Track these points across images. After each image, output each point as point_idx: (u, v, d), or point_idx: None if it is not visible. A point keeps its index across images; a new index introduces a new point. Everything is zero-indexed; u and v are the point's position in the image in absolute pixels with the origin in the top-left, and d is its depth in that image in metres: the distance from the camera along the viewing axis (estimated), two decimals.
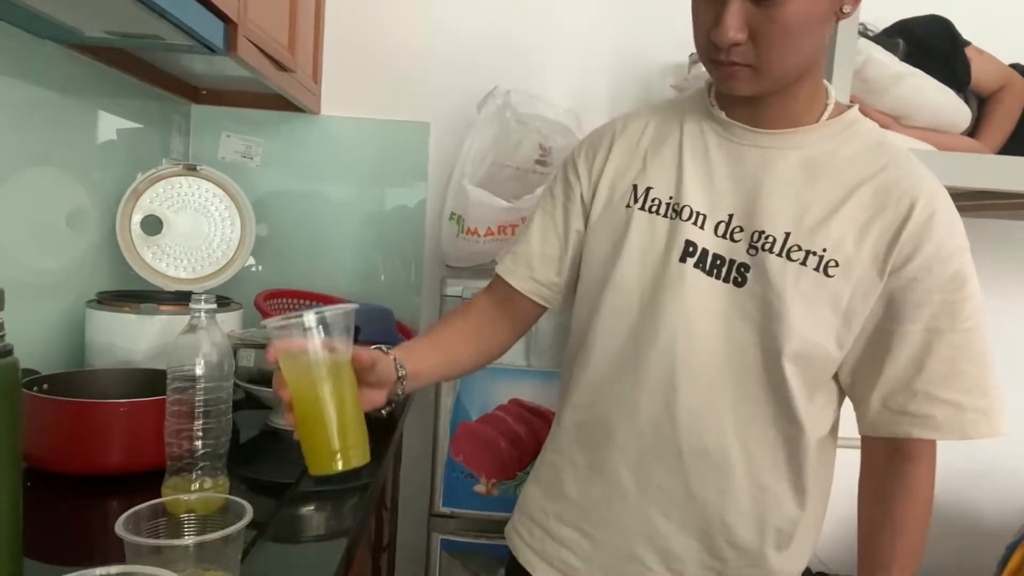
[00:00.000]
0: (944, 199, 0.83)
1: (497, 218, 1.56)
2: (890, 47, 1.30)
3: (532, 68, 1.91)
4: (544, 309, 1.04)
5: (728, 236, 0.86)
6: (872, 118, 1.26)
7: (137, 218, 1.48)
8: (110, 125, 1.52)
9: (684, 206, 0.88)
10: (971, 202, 1.60)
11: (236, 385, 1.29)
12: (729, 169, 0.88)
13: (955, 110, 1.34)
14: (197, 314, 0.94)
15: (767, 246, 0.84)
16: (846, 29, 1.05)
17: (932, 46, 1.50)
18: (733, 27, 0.76)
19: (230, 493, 0.94)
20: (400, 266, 2.00)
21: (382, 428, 1.39)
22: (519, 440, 1.52)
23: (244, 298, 1.55)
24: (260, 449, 1.26)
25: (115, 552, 0.59)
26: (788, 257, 0.82)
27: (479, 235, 1.58)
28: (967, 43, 1.56)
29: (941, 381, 0.81)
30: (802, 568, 0.94)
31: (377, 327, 1.65)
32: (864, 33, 1.44)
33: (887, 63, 1.23)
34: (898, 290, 0.81)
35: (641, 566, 0.92)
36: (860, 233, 0.81)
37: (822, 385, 0.87)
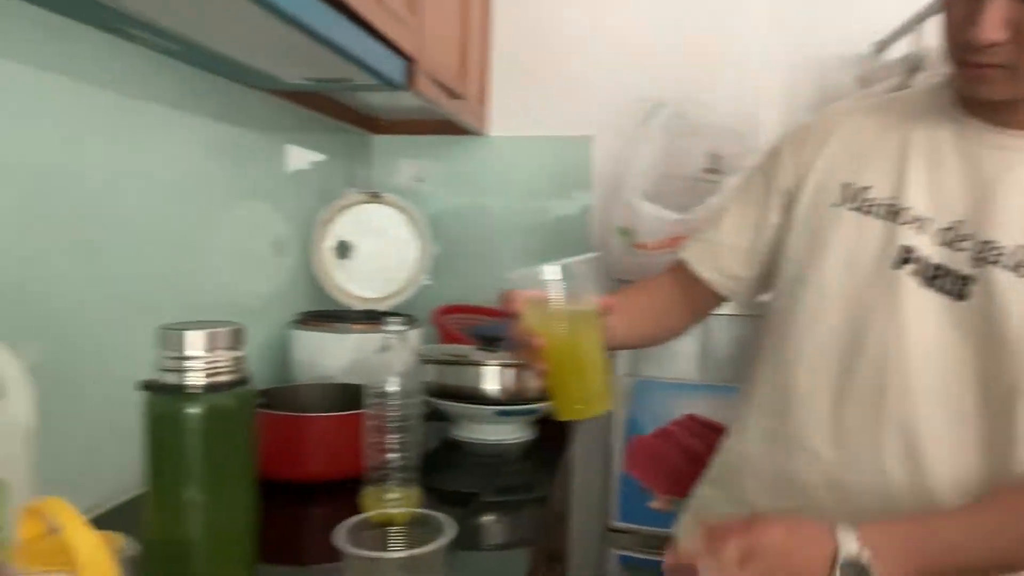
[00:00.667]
0: None
1: (668, 230, 1.54)
2: None
3: (700, 72, 1.87)
4: (725, 299, 1.01)
5: (952, 244, 0.79)
6: None
7: (328, 244, 1.62)
8: (302, 159, 1.67)
9: (905, 208, 0.82)
10: None
11: (424, 399, 1.38)
12: (963, 172, 0.81)
13: None
14: (390, 334, 1.00)
15: (995, 258, 0.76)
16: None
17: None
18: (995, 25, 0.71)
19: (422, 504, 1.00)
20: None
21: (557, 439, 1.42)
22: (695, 455, 1.49)
23: (420, 313, 1.64)
24: (444, 460, 1.33)
25: (327, 555, 0.65)
26: (1019, 272, 0.75)
27: (649, 248, 1.57)
28: None
29: None
30: None
31: None
32: None
33: None
34: None
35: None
36: None
37: None
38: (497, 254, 2.04)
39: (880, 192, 0.85)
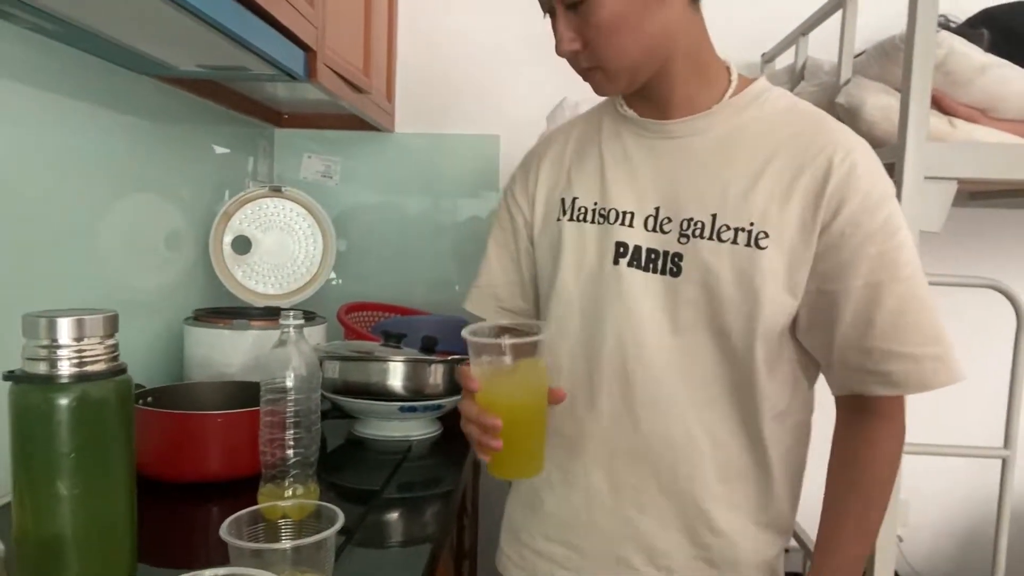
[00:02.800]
0: (863, 151, 0.82)
1: None
2: (974, 38, 1.25)
3: None
4: None
5: (659, 229, 0.87)
6: (958, 112, 1.23)
7: (228, 238, 1.57)
8: (200, 151, 1.61)
9: (610, 209, 0.90)
10: None
11: (322, 396, 1.35)
12: (649, 164, 0.89)
13: None
14: (287, 329, 0.98)
15: (697, 232, 0.85)
16: (924, 21, 1.02)
17: (1019, 34, 1.43)
18: (566, 39, 0.82)
19: (320, 499, 0.99)
20: (470, 276, 2.04)
21: (462, 435, 1.42)
22: None
23: (326, 311, 1.61)
24: (347, 457, 1.31)
25: (217, 554, 0.63)
26: (719, 239, 0.83)
27: None
28: None
29: (892, 335, 0.79)
30: (783, 546, 0.94)
31: (452, 337, 1.68)
32: (946, 25, 1.39)
33: (970, 55, 1.19)
34: (831, 248, 0.80)
35: (629, 568, 0.91)
36: (783, 199, 0.81)
37: (778, 359, 0.86)
38: (405, 252, 2.03)
39: (588, 200, 0.92)
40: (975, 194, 1.63)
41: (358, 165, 2.00)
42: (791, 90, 1.50)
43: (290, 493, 0.97)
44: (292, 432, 0.98)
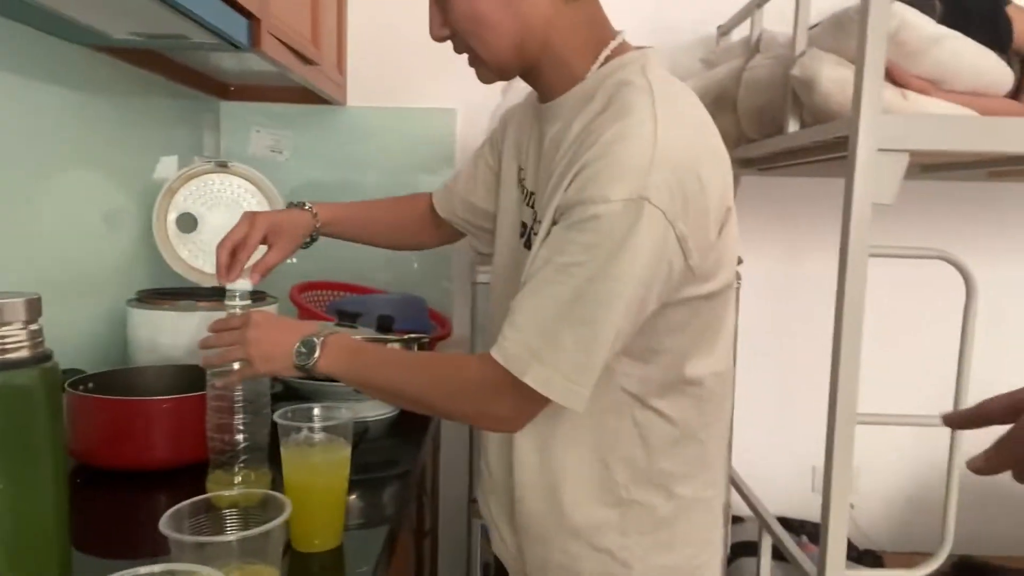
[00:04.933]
0: (631, 143, 0.72)
1: None
2: (926, 9, 1.25)
3: None
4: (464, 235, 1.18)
5: (529, 205, 0.91)
6: (910, 84, 1.23)
7: (172, 216, 1.51)
8: (142, 125, 1.54)
9: (529, 191, 0.92)
10: (1015, 167, 1.55)
11: (274, 379, 1.32)
12: (537, 144, 0.91)
13: (996, 72, 1.29)
14: (232, 310, 0.95)
15: (532, 202, 0.89)
16: None
17: (972, 6, 1.44)
18: (434, 26, 0.85)
19: (272, 485, 0.96)
20: (427, 254, 2.01)
21: (419, 416, 1.40)
22: None
23: (280, 291, 1.56)
24: None
25: (162, 546, 0.61)
26: (539, 213, 0.84)
27: None
28: (1008, 2, 1.50)
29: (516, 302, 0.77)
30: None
31: (409, 315, 1.66)
32: None
33: (923, 26, 1.19)
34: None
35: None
36: (555, 189, 0.79)
37: None
38: None
39: (525, 176, 0.95)
40: (927, 167, 1.65)
41: (310, 140, 1.94)
42: (745, 63, 1.49)
43: (239, 480, 0.95)
44: (241, 417, 0.94)
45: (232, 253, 0.99)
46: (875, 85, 1.04)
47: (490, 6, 0.79)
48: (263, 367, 0.87)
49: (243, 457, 0.95)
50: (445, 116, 1.94)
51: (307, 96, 1.80)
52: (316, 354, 0.84)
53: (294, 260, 1.91)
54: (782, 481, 1.98)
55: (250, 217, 1.02)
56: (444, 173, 1.97)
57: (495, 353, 0.76)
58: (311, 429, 0.87)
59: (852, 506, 2.01)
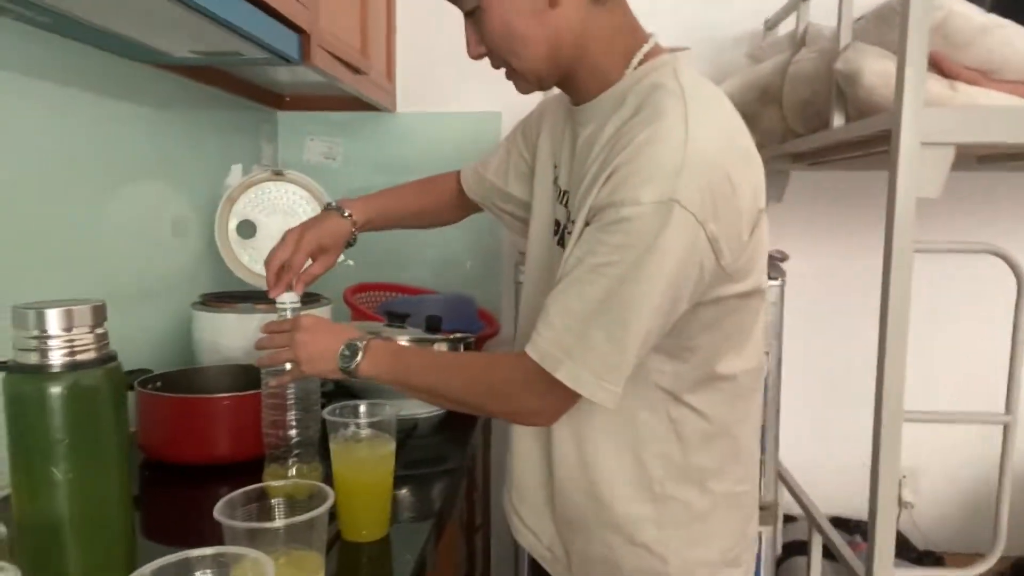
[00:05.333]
0: (662, 146, 0.74)
1: None
2: None
3: None
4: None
5: (563, 203, 0.93)
6: (960, 75, 1.20)
7: (233, 223, 1.58)
8: (205, 137, 1.62)
9: (563, 190, 0.94)
10: None
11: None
12: (571, 145, 0.93)
13: None
14: (283, 312, 1.00)
15: (566, 201, 0.91)
16: None
17: None
18: (471, 44, 0.87)
19: (324, 478, 1.01)
20: (481, 253, 2.05)
21: (468, 414, 1.44)
22: None
23: (335, 292, 1.63)
24: None
25: (218, 535, 0.65)
26: (577, 213, 0.84)
27: None
28: None
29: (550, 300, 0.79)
30: None
31: (458, 315, 1.70)
32: None
33: (970, 15, 1.16)
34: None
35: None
36: (588, 190, 0.80)
37: None
38: (413, 232, 2.03)
39: (559, 175, 0.96)
40: (983, 158, 1.60)
41: (361, 146, 2.01)
42: (790, 58, 1.48)
43: (293, 473, 1.00)
44: (293, 413, 1.00)
45: (278, 271, 1.04)
46: (918, 77, 1.02)
47: (523, 21, 0.82)
48: (309, 368, 0.92)
49: (296, 451, 1.00)
50: (490, 119, 1.98)
51: (358, 104, 1.86)
52: (359, 358, 0.88)
53: (351, 263, 1.99)
54: (838, 480, 1.94)
55: (296, 236, 1.05)
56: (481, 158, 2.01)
57: (529, 350, 0.79)
58: (357, 425, 0.92)
59: (912, 506, 1.96)
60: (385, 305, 1.69)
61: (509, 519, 1.07)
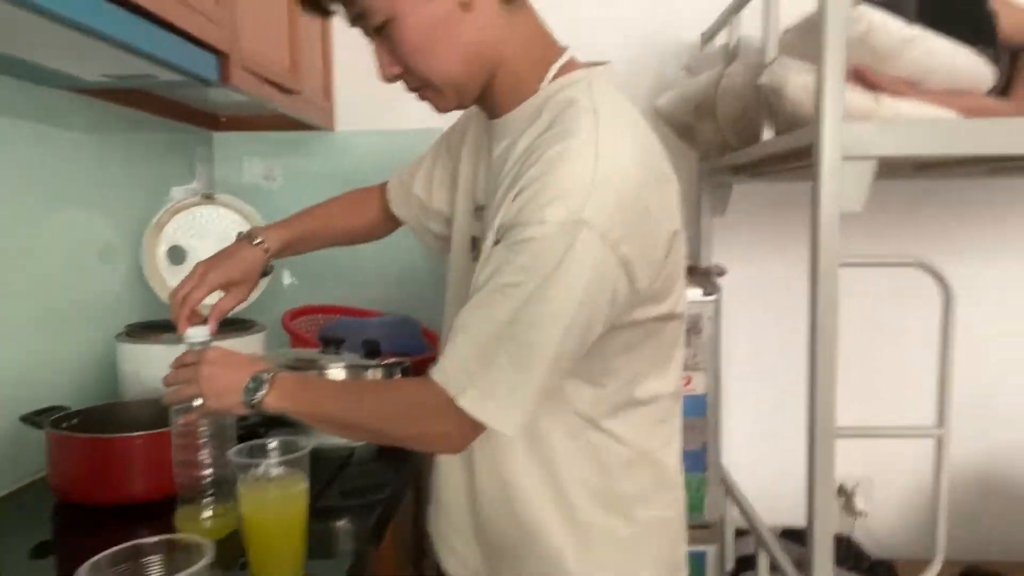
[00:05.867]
0: (570, 165, 0.72)
1: None
2: (899, 9, 1.22)
3: None
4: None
5: (478, 217, 0.91)
6: (884, 86, 1.20)
7: (162, 249, 1.54)
8: (135, 161, 1.58)
9: (481, 206, 0.92)
10: (1003, 164, 1.50)
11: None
12: (488, 158, 0.90)
13: (972, 69, 1.25)
14: (192, 347, 0.96)
15: (481, 216, 0.89)
16: (834, 2, 1.00)
17: (954, 2, 1.41)
18: (384, 65, 0.83)
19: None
20: (427, 272, 2.02)
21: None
22: None
23: (274, 317, 1.59)
24: None
25: None
26: (489, 227, 0.82)
27: None
28: None
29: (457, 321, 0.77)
30: None
31: (400, 337, 1.67)
32: None
33: (892, 28, 1.16)
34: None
35: None
36: (498, 206, 0.78)
37: None
38: (358, 251, 1.99)
39: (478, 189, 0.94)
40: (921, 166, 1.61)
41: (301, 166, 1.97)
42: (723, 70, 1.47)
43: (208, 514, 0.96)
44: (206, 452, 0.95)
45: (182, 304, 1.00)
46: (837, 91, 1.02)
47: (437, 29, 0.79)
48: (215, 404, 0.88)
49: (210, 491, 0.96)
50: (431, 136, 1.94)
51: (296, 123, 1.83)
52: (263, 391, 0.84)
53: (295, 281, 1.95)
54: (792, 490, 1.94)
55: (201, 270, 1.02)
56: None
57: (434, 374, 0.76)
58: (267, 464, 0.88)
59: (865, 514, 1.96)
60: (324, 330, 1.65)
61: (434, 544, 1.04)
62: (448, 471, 0.97)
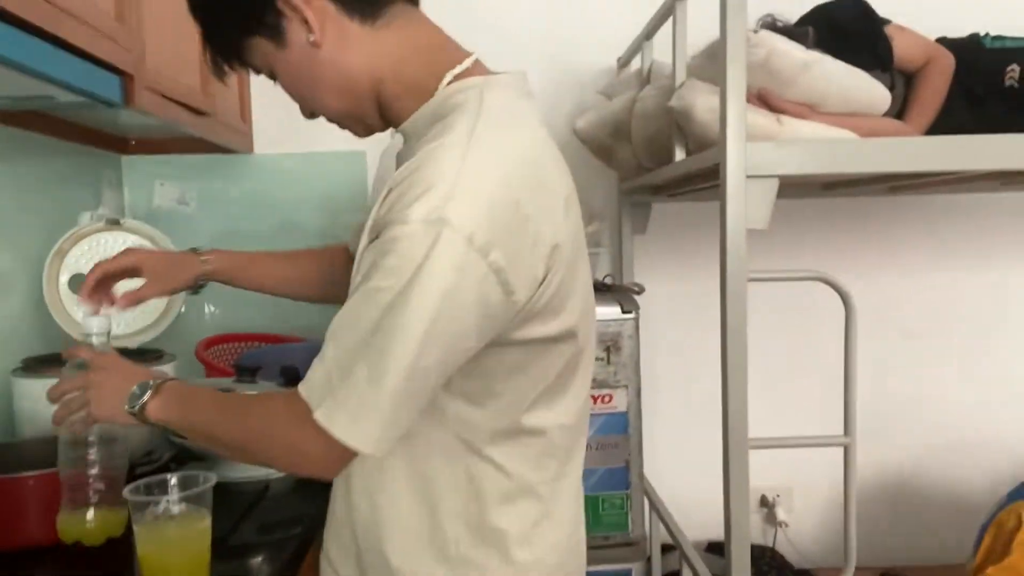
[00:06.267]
0: (437, 163, 0.69)
1: None
2: (798, 36, 1.28)
3: None
4: None
5: None
6: (786, 109, 1.25)
7: (64, 278, 1.47)
8: (36, 186, 1.50)
9: None
10: (901, 183, 1.59)
11: (171, 441, 1.27)
12: None
13: (868, 92, 1.32)
14: (88, 339, 0.93)
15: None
16: (734, 24, 1.04)
17: (851, 29, 1.48)
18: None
19: (127, 525, 0.91)
20: None
21: None
22: None
23: (187, 347, 1.53)
24: None
25: None
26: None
27: None
28: (887, 21, 1.55)
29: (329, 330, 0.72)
30: None
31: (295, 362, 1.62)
32: (773, 25, 1.43)
33: (791, 53, 1.22)
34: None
35: None
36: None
37: None
38: None
39: None
40: (829, 184, 1.68)
41: (218, 189, 1.92)
42: (637, 94, 1.51)
43: (91, 517, 0.92)
44: (93, 451, 0.91)
45: (100, 280, 0.97)
46: (739, 113, 1.06)
47: (303, 76, 0.80)
48: (98, 410, 0.83)
49: (96, 488, 0.92)
50: (354, 159, 1.93)
51: (212, 146, 1.78)
52: (144, 398, 0.79)
53: (213, 310, 1.88)
54: (715, 505, 1.97)
55: (129, 250, 1.00)
56: (358, 216, 1.95)
57: (300, 386, 0.71)
58: (167, 501, 0.84)
59: (786, 525, 2.01)
60: (241, 358, 1.60)
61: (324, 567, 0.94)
62: (339, 494, 0.89)
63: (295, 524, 1.16)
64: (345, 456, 0.72)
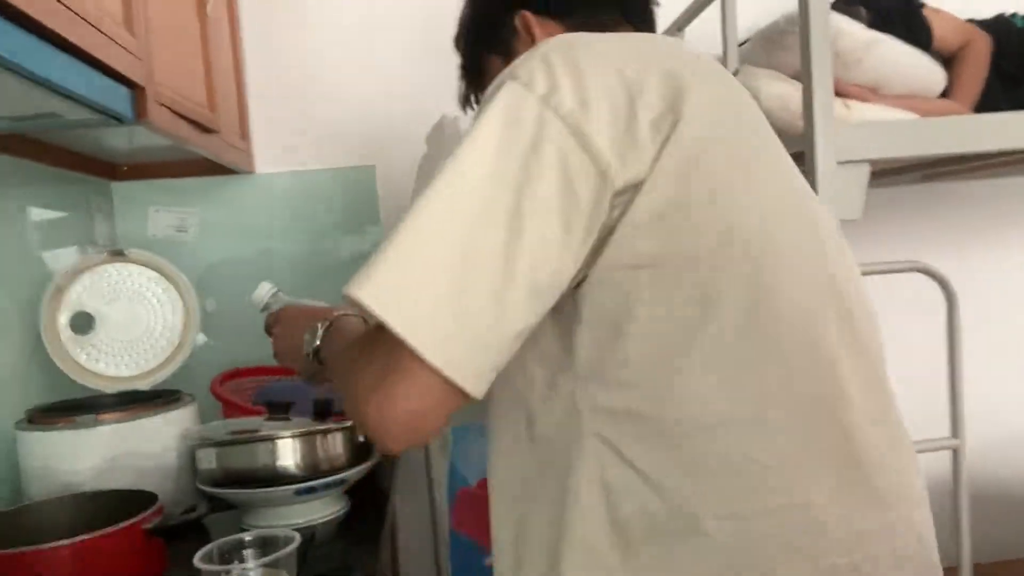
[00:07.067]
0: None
1: None
2: (854, 15, 1.22)
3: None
4: None
5: None
6: (849, 92, 1.19)
7: (64, 318, 1.32)
8: (20, 220, 1.36)
9: None
10: (949, 168, 1.53)
11: (200, 490, 1.15)
12: None
13: (929, 72, 1.27)
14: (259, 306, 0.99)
15: None
16: (816, 8, 0.96)
17: (890, 11, 1.43)
18: None
19: None
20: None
21: (374, 510, 1.25)
22: None
23: (199, 385, 1.39)
24: None
25: None
26: None
27: None
28: (923, 4, 1.51)
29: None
30: None
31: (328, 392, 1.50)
32: None
33: (855, 33, 1.15)
34: None
35: None
36: None
37: None
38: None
39: None
40: (874, 174, 1.62)
41: (218, 214, 1.78)
42: None
43: None
44: None
45: None
46: (826, 97, 0.99)
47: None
48: (284, 363, 0.87)
49: None
50: (363, 174, 1.82)
51: (209, 167, 1.65)
52: (317, 342, 0.77)
53: (213, 343, 1.74)
54: None
55: None
56: (371, 232, 1.84)
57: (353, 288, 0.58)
58: (243, 570, 0.72)
59: None
60: (263, 394, 1.47)
61: None
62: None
63: (347, 572, 1.06)
64: (435, 394, 0.56)
